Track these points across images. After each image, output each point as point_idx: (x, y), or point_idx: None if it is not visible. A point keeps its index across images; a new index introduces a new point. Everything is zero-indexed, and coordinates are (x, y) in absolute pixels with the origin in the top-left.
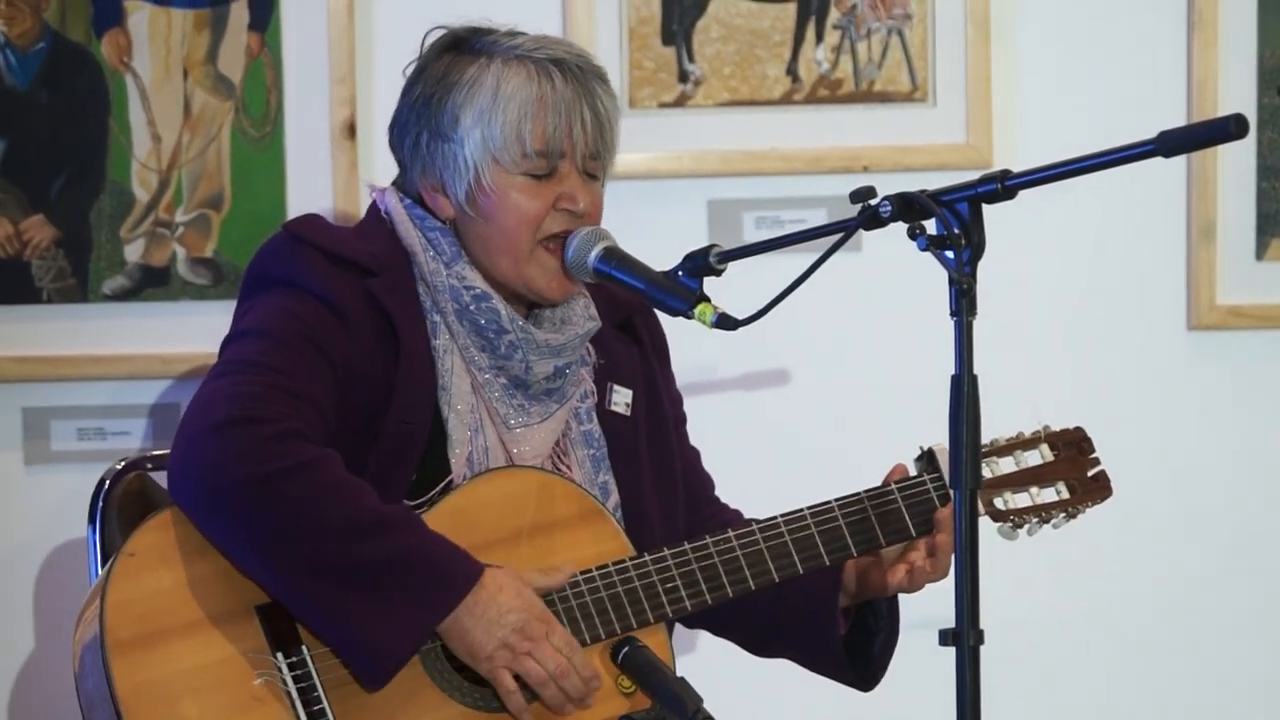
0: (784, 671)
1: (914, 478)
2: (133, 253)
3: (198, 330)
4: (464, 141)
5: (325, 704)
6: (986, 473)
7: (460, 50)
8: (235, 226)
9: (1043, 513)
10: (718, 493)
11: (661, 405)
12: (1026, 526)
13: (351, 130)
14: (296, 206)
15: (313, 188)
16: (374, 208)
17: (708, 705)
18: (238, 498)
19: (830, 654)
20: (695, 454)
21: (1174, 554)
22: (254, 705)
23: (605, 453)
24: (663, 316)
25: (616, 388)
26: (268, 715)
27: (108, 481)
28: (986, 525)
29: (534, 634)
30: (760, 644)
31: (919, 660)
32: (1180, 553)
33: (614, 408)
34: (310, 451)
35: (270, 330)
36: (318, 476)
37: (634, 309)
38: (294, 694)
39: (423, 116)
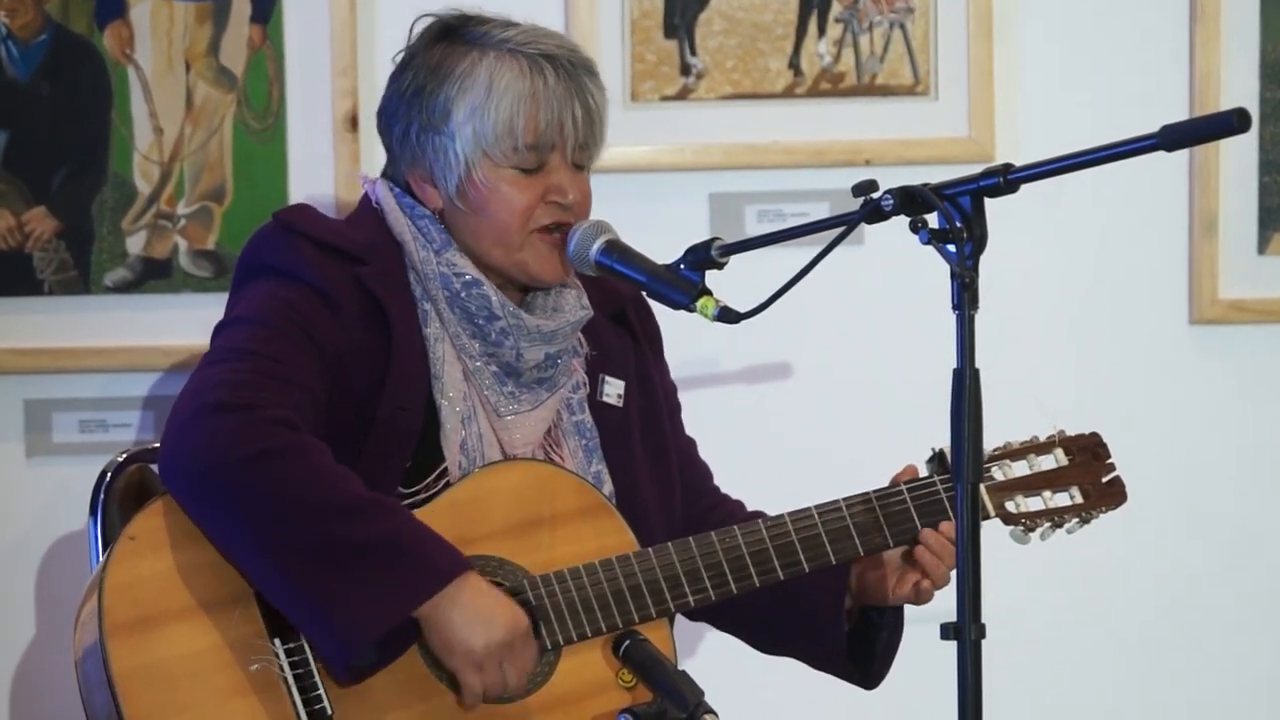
0: (785, 666)
1: (924, 479)
2: (134, 245)
3: (199, 322)
4: (455, 135)
5: (322, 691)
6: (999, 475)
7: (452, 40)
8: (237, 219)
9: (1055, 517)
10: (716, 483)
11: (655, 396)
12: (1039, 530)
13: (354, 122)
14: (298, 199)
15: (315, 180)
16: (365, 198)
17: (709, 699)
18: (222, 480)
19: (834, 651)
20: (691, 443)
21: (1176, 548)
22: (250, 691)
23: (597, 443)
24: (663, 309)
25: (608, 379)
26: (264, 701)
27: (109, 473)
28: (997, 526)
29: (516, 648)
30: (764, 640)
31: (921, 654)
32: (1182, 547)
33: (606, 399)
34: (298, 438)
35: (261, 317)
36: (303, 459)
37: (627, 300)
38: (290, 680)
39: (413, 107)
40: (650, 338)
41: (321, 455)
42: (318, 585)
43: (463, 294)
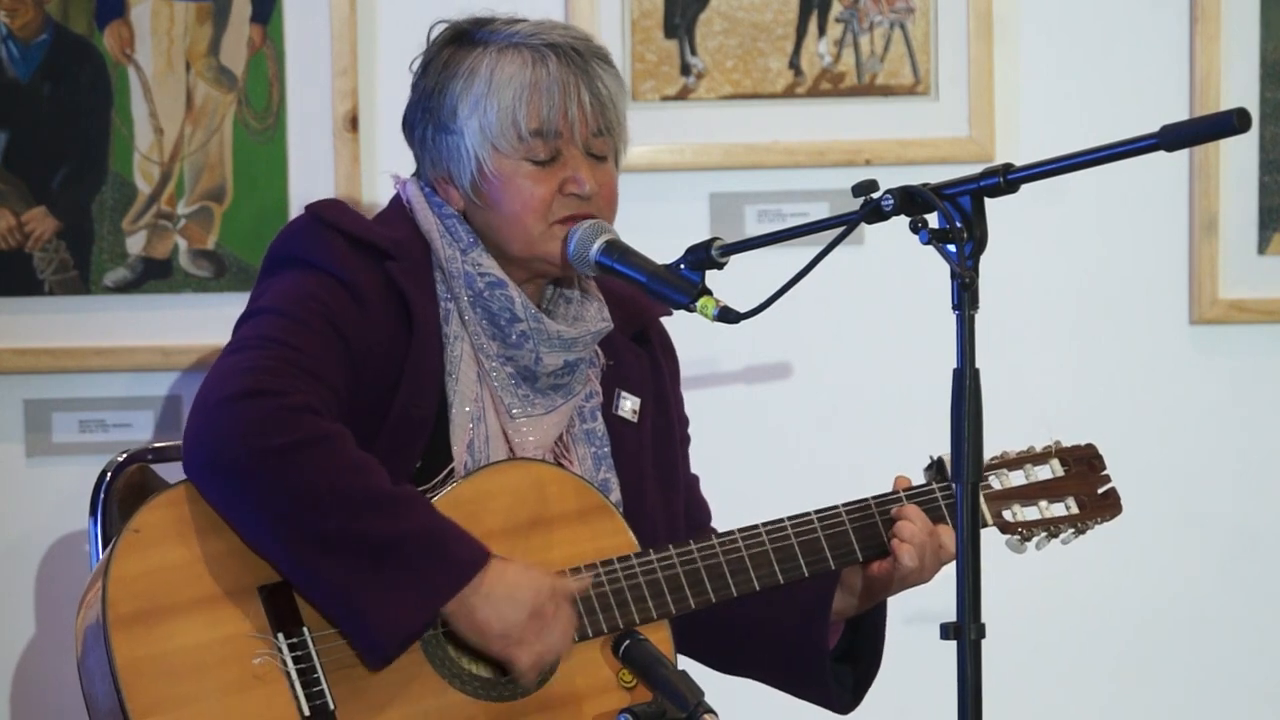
0: None
1: (922, 485)
2: (134, 245)
3: (199, 322)
4: (463, 131)
5: (324, 685)
6: (996, 484)
7: (460, 43)
8: (237, 219)
9: (1051, 527)
10: (715, 503)
11: (670, 421)
12: (1035, 540)
13: (354, 122)
14: (299, 199)
15: (315, 180)
16: (397, 198)
17: (709, 699)
18: (249, 469)
19: (814, 664)
20: (695, 479)
21: (1175, 549)
22: (253, 684)
23: (607, 451)
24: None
25: (624, 394)
26: (266, 695)
27: (109, 473)
28: (995, 535)
29: (547, 613)
30: (739, 655)
31: (921, 655)
32: (1182, 548)
33: (620, 413)
34: (324, 426)
35: (287, 308)
36: (331, 450)
37: (648, 322)
38: (293, 675)
39: (427, 111)
40: (671, 368)
41: (346, 444)
42: (345, 583)
43: (485, 294)
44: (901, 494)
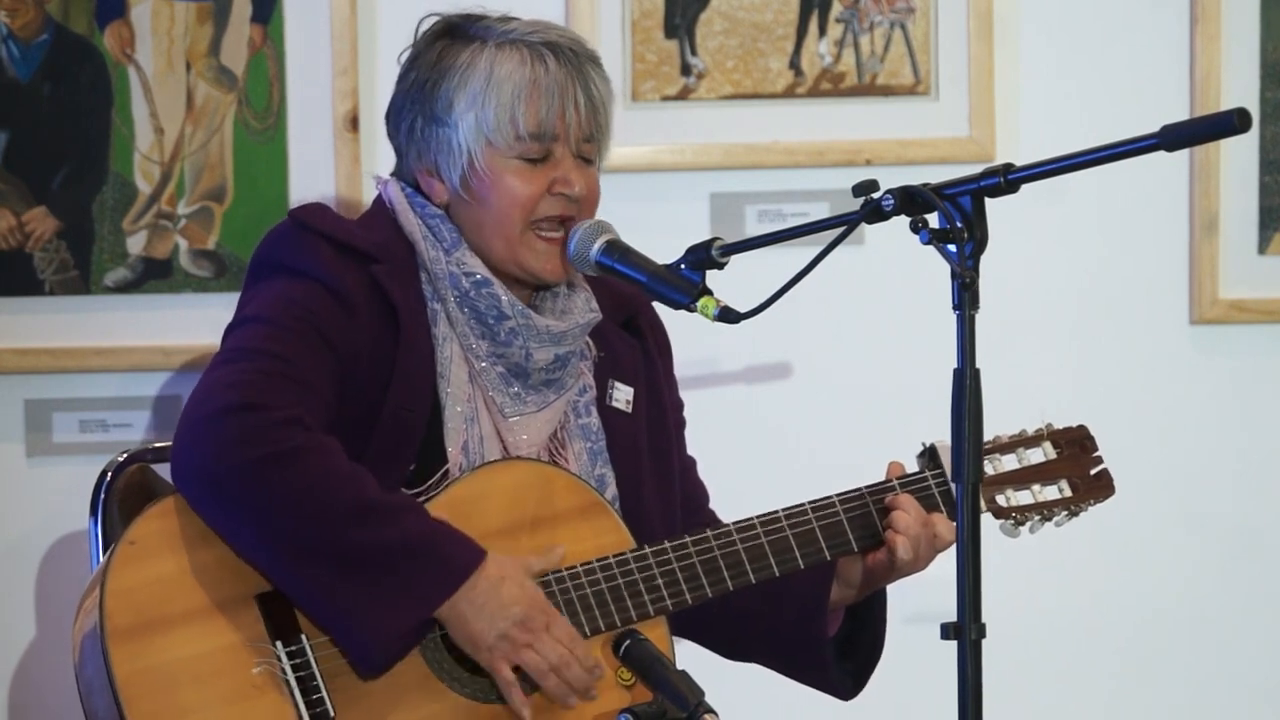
0: None
1: (915, 474)
2: (135, 245)
3: (200, 322)
4: (458, 125)
5: (324, 693)
6: (989, 469)
7: (454, 36)
8: (237, 219)
9: (1045, 510)
10: (714, 504)
11: (663, 406)
12: (1028, 524)
13: (354, 122)
14: (299, 199)
15: (315, 180)
16: (379, 199)
17: (709, 699)
18: (239, 483)
19: (815, 654)
20: (691, 461)
21: (1175, 549)
22: (253, 694)
23: (603, 446)
24: (664, 310)
25: (618, 384)
26: (266, 704)
27: (109, 473)
28: (989, 522)
29: (535, 625)
30: (739, 644)
31: (921, 655)
32: (1182, 547)
33: (614, 403)
34: (312, 438)
35: (273, 317)
36: (319, 462)
37: (637, 308)
38: (293, 683)
39: (417, 101)
40: (661, 349)
41: (333, 455)
42: (335, 593)
43: (472, 293)
44: (895, 482)
